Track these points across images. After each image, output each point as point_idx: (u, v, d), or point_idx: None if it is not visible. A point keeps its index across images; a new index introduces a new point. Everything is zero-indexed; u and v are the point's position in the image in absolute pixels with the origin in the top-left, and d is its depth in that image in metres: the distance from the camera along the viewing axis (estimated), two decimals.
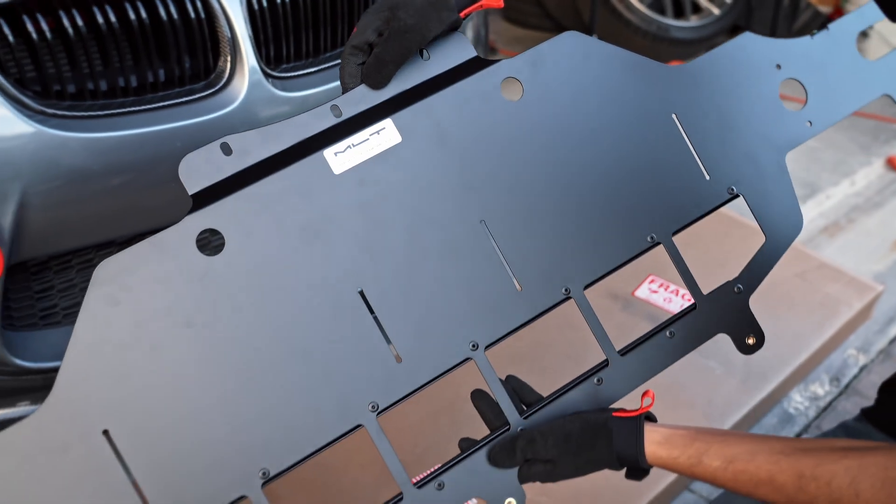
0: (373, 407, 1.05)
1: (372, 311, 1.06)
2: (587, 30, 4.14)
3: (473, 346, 1.10)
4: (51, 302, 1.49)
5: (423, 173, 1.11)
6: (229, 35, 1.49)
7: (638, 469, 1.04)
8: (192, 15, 1.46)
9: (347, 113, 1.09)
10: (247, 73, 1.52)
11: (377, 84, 1.09)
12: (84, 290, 1.29)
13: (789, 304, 2.06)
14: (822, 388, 2.05)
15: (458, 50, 1.13)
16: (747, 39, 1.31)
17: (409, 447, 1.59)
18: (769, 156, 1.29)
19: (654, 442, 1.02)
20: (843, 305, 2.11)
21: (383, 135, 1.09)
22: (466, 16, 1.10)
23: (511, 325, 1.12)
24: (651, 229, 1.20)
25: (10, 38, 1.31)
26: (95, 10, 1.38)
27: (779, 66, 1.32)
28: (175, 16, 1.44)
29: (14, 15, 1.32)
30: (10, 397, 1.47)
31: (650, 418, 1.07)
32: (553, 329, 1.82)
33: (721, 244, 2.22)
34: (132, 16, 1.41)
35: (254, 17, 1.53)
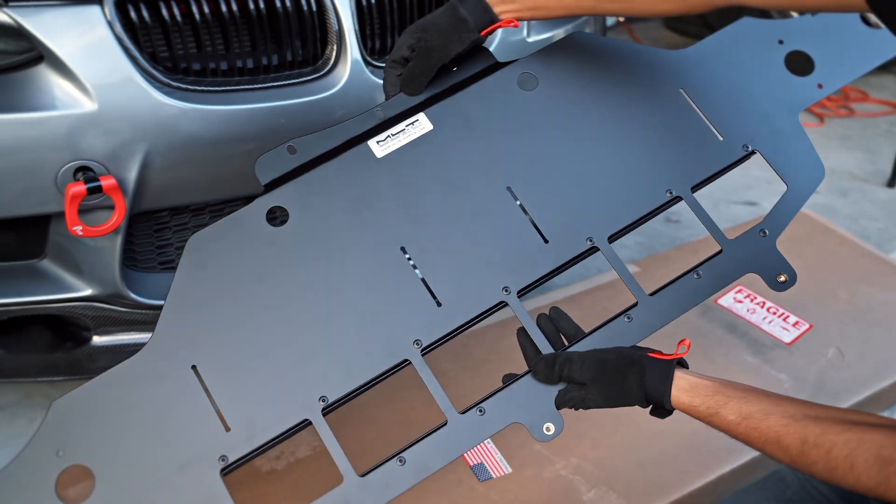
0: (417, 344, 1.21)
1: (412, 263, 1.24)
2: None
3: (506, 290, 1.25)
4: (168, 251, 1.72)
5: (452, 152, 1.29)
6: (337, 27, 1.67)
7: (662, 409, 1.12)
8: (305, 8, 1.64)
9: (388, 115, 1.32)
10: (349, 61, 1.69)
11: (412, 92, 1.33)
12: None
13: (886, 328, 2.01)
14: None
15: (482, 60, 1.37)
16: (745, 23, 1.45)
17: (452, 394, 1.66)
18: (782, 115, 1.40)
19: (680, 388, 1.10)
20: None
21: (417, 125, 1.30)
22: (487, 34, 1.32)
23: (540, 273, 1.26)
24: (669, 184, 1.33)
25: (148, 20, 1.54)
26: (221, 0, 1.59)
27: (781, 42, 1.46)
28: (290, 8, 1.63)
29: (152, 1, 1.55)
30: (127, 326, 1.72)
31: (682, 364, 1.15)
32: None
33: (826, 261, 2.20)
34: (252, 6, 1.61)
35: (361, 11, 1.70)
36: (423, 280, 1.24)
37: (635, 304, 1.25)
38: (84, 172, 1.50)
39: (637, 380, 1.11)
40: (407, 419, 1.65)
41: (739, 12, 1.49)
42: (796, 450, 0.99)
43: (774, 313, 1.99)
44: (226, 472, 1.13)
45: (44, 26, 1.48)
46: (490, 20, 1.33)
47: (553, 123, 1.34)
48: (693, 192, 1.34)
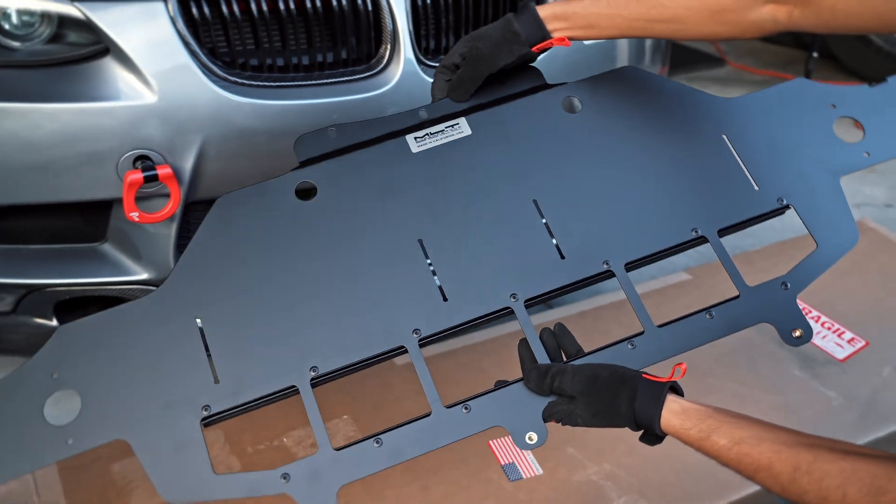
0: (416, 333, 1.23)
1: (426, 256, 1.26)
2: (825, 47, 3.96)
3: (514, 297, 1.25)
4: None
5: (485, 159, 1.31)
6: (391, 27, 1.70)
7: (652, 434, 1.11)
8: (361, 7, 1.68)
9: (431, 116, 1.35)
10: (402, 60, 1.71)
11: (458, 98, 1.37)
12: None
13: None
14: None
15: (532, 79, 1.39)
16: (800, 83, 1.45)
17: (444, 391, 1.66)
18: (822, 177, 1.38)
19: (671, 411, 1.09)
20: None
21: (456, 128, 1.33)
22: (539, 51, 1.34)
23: (551, 287, 1.27)
24: (696, 223, 1.32)
25: (209, 16, 1.60)
26: None
27: (833, 106, 1.44)
28: (346, 7, 1.67)
29: None
30: None
31: (676, 390, 1.13)
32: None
33: (889, 278, 2.13)
34: (309, 5, 1.65)
35: (416, 12, 1.72)
36: (433, 273, 1.26)
37: (641, 333, 1.24)
38: (143, 161, 1.57)
39: (627, 399, 1.10)
40: (397, 409, 1.65)
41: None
42: (788, 477, 0.96)
43: (829, 328, 1.94)
44: (206, 421, 1.17)
45: (111, 20, 1.55)
46: (542, 37, 1.35)
47: (589, 147, 1.36)
48: (720, 236, 1.32)
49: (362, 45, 1.72)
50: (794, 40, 4.41)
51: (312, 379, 1.19)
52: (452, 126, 1.34)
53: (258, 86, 1.65)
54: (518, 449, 1.54)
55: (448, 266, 1.26)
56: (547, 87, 1.39)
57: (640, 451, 1.57)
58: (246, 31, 1.64)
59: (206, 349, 1.19)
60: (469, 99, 1.36)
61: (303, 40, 1.69)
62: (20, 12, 1.55)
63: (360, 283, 1.24)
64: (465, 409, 1.20)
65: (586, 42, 1.71)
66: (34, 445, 1.15)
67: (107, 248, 1.72)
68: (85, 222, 1.71)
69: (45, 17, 1.56)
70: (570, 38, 1.35)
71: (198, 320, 1.21)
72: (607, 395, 1.12)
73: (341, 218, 1.28)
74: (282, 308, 1.22)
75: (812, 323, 1.96)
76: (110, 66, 1.57)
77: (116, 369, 1.19)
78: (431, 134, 1.33)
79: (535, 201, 1.30)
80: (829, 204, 1.38)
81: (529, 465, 1.53)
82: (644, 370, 1.16)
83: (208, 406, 1.17)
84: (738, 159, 1.38)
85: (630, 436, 1.50)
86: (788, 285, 1.31)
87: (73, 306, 1.77)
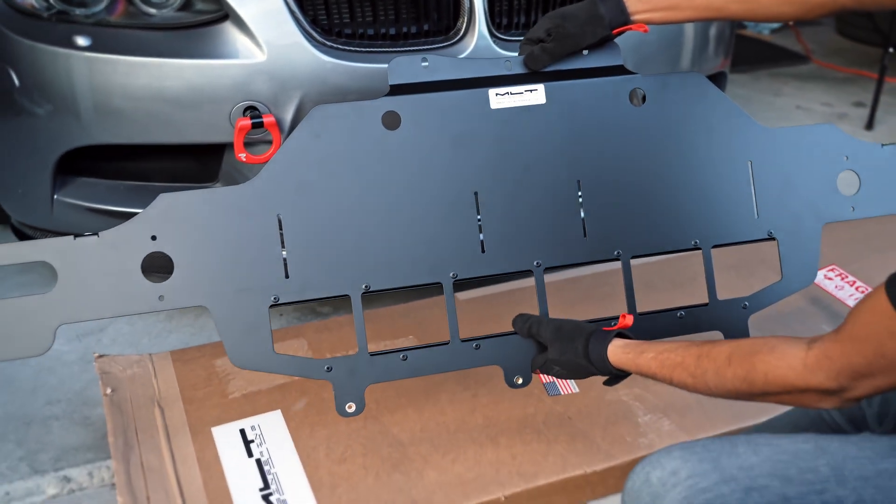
0: (453, 275, 1.48)
1: (477, 210, 1.48)
2: None
3: (538, 264, 1.51)
4: None
5: (549, 132, 1.50)
6: (469, 4, 1.94)
7: (610, 373, 1.37)
8: None
9: (514, 71, 1.51)
10: (476, 34, 1.95)
11: (535, 67, 1.50)
12: None
13: None
14: None
15: (610, 56, 1.54)
16: (830, 129, 1.62)
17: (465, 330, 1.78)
18: (810, 220, 1.60)
19: (616, 345, 1.34)
20: None
21: (534, 94, 1.50)
22: (618, 34, 1.49)
23: (570, 260, 1.53)
24: (697, 236, 1.57)
25: None
26: None
27: (847, 158, 1.62)
28: None
29: None
30: None
31: (625, 336, 1.38)
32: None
33: None
34: None
35: None
36: (479, 227, 1.48)
37: (629, 327, 1.48)
38: (251, 111, 1.85)
39: (583, 342, 1.36)
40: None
41: None
42: (693, 365, 1.16)
43: (862, 292, 2.08)
44: (272, 307, 1.41)
45: None
46: (624, 21, 1.47)
47: (639, 143, 1.53)
48: (711, 249, 1.57)
49: (442, 19, 1.97)
50: (871, 34, 4.44)
51: (363, 292, 1.44)
52: (531, 91, 1.49)
53: (351, 51, 1.91)
54: None
55: (492, 223, 1.48)
56: (620, 69, 1.53)
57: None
58: (343, 5, 1.91)
59: (283, 246, 1.39)
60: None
61: (391, 14, 1.95)
62: None
63: (418, 219, 1.45)
64: (476, 346, 1.49)
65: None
66: (131, 294, 1.36)
67: (218, 188, 2.02)
68: (200, 165, 2.02)
69: None
70: (649, 22, 1.47)
71: (278, 218, 1.40)
72: (568, 339, 1.39)
73: (416, 154, 1.46)
74: (350, 224, 1.43)
75: (847, 286, 2.12)
76: (229, 30, 1.87)
77: (206, 245, 1.37)
78: (512, 94, 1.48)
79: (578, 181, 1.50)
80: (805, 246, 1.61)
81: (567, 385, 1.75)
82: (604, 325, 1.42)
83: (277, 297, 1.41)
84: (753, 188, 1.58)
85: None
86: (747, 305, 1.57)
87: None
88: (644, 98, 1.54)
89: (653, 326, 1.55)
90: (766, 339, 1.10)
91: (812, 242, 1.61)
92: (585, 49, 1.51)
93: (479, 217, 1.48)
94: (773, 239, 1.60)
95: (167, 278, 1.38)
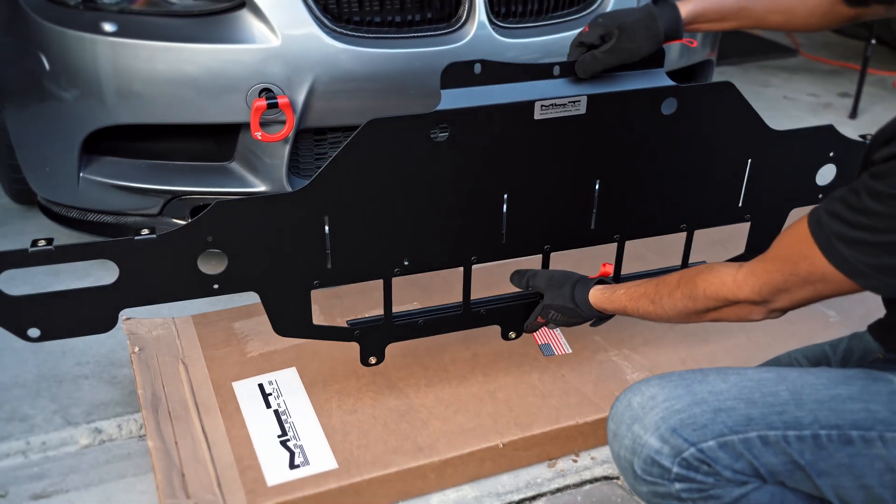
0: (474, 259, 1.64)
1: (505, 207, 1.60)
2: (881, 35, 4.13)
3: (547, 248, 1.69)
4: (323, 162, 2.18)
5: (583, 141, 1.59)
6: None
7: (593, 315, 1.55)
8: None
9: (560, 76, 1.58)
10: (476, 21, 2.09)
11: (584, 74, 1.56)
12: None
13: None
14: None
15: (655, 77, 1.60)
16: (829, 130, 1.75)
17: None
18: (782, 207, 1.78)
19: (597, 289, 1.52)
20: None
21: (576, 105, 1.55)
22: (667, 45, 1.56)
23: (576, 245, 1.71)
24: (686, 222, 1.76)
25: None
26: None
27: (832, 154, 1.76)
28: None
29: None
30: None
31: (606, 283, 1.56)
32: None
33: None
34: None
35: None
36: (504, 221, 1.61)
37: (609, 275, 1.68)
38: (266, 92, 1.98)
39: (570, 287, 1.55)
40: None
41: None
42: (653, 292, 1.35)
43: None
44: (314, 289, 1.56)
45: None
46: (676, 34, 1.52)
47: (661, 147, 1.63)
48: (695, 230, 1.77)
49: (444, 7, 2.10)
50: (858, 29, 4.57)
51: (394, 275, 1.60)
52: (574, 102, 1.53)
53: (359, 37, 2.04)
54: (552, 333, 1.90)
55: (516, 217, 1.62)
56: (659, 76, 1.59)
57: (653, 342, 1.91)
58: None
59: (328, 241, 1.51)
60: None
61: (397, 2, 2.08)
62: None
63: (451, 216, 1.57)
64: (482, 310, 1.69)
65: None
66: (189, 284, 1.49)
67: (234, 166, 2.14)
68: (217, 145, 2.15)
69: None
70: (699, 32, 1.58)
71: (326, 218, 1.49)
72: (558, 286, 1.57)
73: (458, 161, 1.53)
74: (388, 221, 1.54)
75: None
76: (245, 17, 2.00)
77: (258, 244, 1.48)
78: (556, 105, 1.53)
79: (597, 181, 1.63)
80: (770, 225, 1.77)
81: (561, 346, 1.89)
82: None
83: (318, 283, 1.55)
84: (745, 181, 1.72)
85: (647, 331, 1.88)
86: None
87: None
88: (675, 106, 1.60)
89: None
90: (707, 265, 1.28)
91: (776, 223, 1.78)
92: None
93: (505, 213, 1.62)
94: (748, 221, 1.78)
95: (221, 270, 1.50)
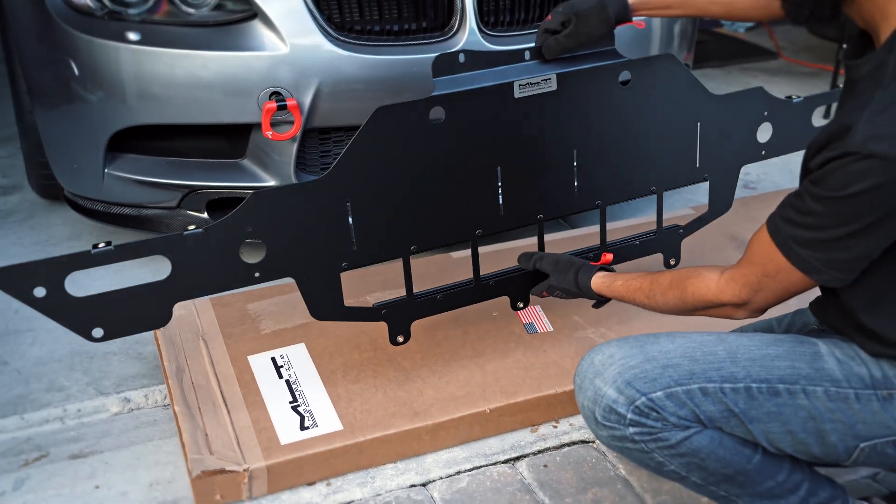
0: (479, 232, 1.85)
1: (499, 181, 1.82)
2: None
3: (540, 217, 1.89)
4: (328, 159, 2.38)
5: (558, 113, 1.82)
6: (461, 4, 2.27)
7: (593, 298, 1.72)
8: None
9: (532, 59, 1.85)
10: (467, 30, 2.28)
11: (550, 56, 1.84)
12: None
13: None
14: None
15: (609, 55, 1.89)
16: (759, 92, 2.02)
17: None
18: (733, 164, 2.05)
19: (598, 276, 1.69)
20: None
21: (548, 82, 1.80)
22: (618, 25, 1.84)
23: (564, 211, 1.93)
24: (654, 184, 1.98)
25: None
26: None
27: (766, 113, 2.04)
28: None
29: None
30: None
31: (608, 270, 1.74)
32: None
33: None
34: None
35: None
36: (500, 193, 1.83)
37: (597, 246, 1.94)
38: (276, 95, 2.18)
39: (574, 273, 1.73)
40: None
41: None
42: (648, 289, 1.51)
43: None
44: (342, 271, 1.74)
45: None
46: (625, 18, 1.82)
47: (623, 115, 1.88)
48: (664, 192, 2.00)
49: (438, 17, 2.29)
50: (838, 32, 4.76)
51: (411, 254, 1.79)
52: (546, 80, 1.78)
53: (361, 44, 2.24)
54: (536, 313, 2.10)
55: (509, 189, 1.82)
56: (613, 53, 1.89)
57: (628, 322, 2.10)
58: (353, 5, 2.24)
59: (353, 225, 1.69)
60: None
61: (395, 13, 2.27)
62: None
63: (455, 193, 1.77)
64: (491, 283, 1.89)
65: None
66: (232, 273, 1.64)
67: (246, 162, 2.34)
68: (231, 143, 2.34)
69: None
70: (646, 17, 1.80)
71: (348, 204, 1.67)
72: (563, 270, 1.76)
73: (455, 139, 1.74)
74: (403, 201, 1.73)
75: None
76: (257, 26, 2.19)
77: (292, 231, 1.64)
78: (532, 84, 1.77)
79: (575, 151, 1.86)
80: (727, 183, 2.04)
81: (544, 325, 2.08)
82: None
83: (346, 264, 1.73)
84: (698, 144, 1.97)
85: (622, 311, 2.09)
86: (682, 231, 2.01)
87: (219, 206, 2.39)
88: (631, 78, 1.87)
89: (618, 252, 2.00)
90: (695, 269, 1.45)
91: (732, 180, 2.05)
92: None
93: (500, 186, 1.82)
94: (706, 180, 2.03)
95: (261, 259, 1.66)
